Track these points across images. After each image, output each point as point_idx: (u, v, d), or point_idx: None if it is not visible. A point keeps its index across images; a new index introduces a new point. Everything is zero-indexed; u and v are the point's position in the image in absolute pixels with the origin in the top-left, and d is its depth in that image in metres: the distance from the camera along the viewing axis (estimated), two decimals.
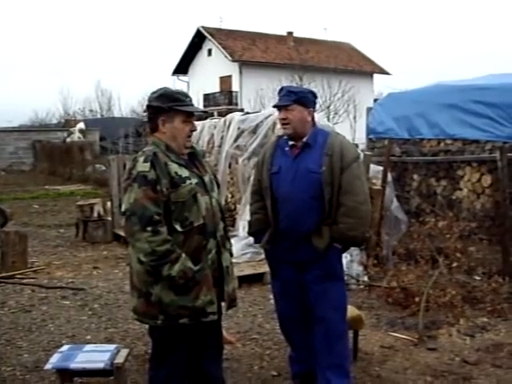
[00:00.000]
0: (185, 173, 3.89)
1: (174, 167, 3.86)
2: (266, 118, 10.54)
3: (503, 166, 8.80)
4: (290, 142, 4.66)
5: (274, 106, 4.78)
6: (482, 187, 11.01)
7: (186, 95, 4.05)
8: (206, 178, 4.04)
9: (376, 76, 53.23)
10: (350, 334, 5.47)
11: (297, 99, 4.59)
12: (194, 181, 3.91)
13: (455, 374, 5.38)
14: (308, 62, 43.89)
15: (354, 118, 38.03)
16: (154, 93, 4.02)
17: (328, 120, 31.29)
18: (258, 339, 6.27)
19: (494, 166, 9.74)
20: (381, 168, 9.40)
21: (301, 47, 49.61)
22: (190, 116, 4.01)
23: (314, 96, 4.81)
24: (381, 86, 55.99)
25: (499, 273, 7.94)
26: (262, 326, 6.66)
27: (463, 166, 11.36)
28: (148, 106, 4.02)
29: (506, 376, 5.38)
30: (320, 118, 10.96)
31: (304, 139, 4.61)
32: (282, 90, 4.72)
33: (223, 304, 4.13)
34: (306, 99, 4.67)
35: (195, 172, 3.99)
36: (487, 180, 10.85)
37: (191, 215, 3.85)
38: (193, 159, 4.08)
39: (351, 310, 5.50)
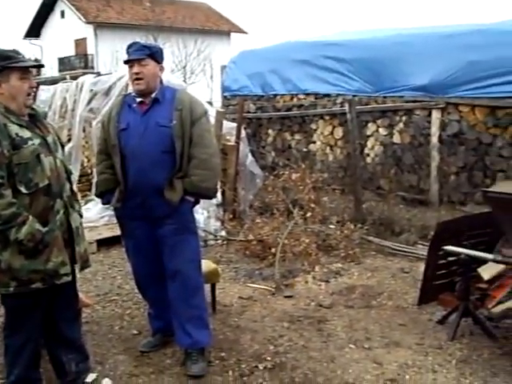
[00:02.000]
0: (26, 134, 3.77)
1: (14, 128, 3.73)
2: (119, 79, 10.33)
3: (352, 118, 9.14)
4: (138, 99, 4.60)
5: (126, 61, 4.64)
6: (334, 139, 11.43)
7: (17, 52, 3.90)
8: (50, 139, 3.94)
9: (235, 35, 53.16)
10: (208, 287, 5.57)
11: (150, 54, 4.53)
12: (37, 141, 3.80)
13: (311, 318, 5.62)
14: (164, 23, 43.29)
15: (211, 77, 38.00)
16: None
17: (184, 80, 31.17)
18: (118, 300, 6.25)
19: (344, 119, 10.09)
20: (235, 125, 9.49)
21: (157, 7, 48.72)
22: (27, 72, 3.86)
23: (162, 52, 4.78)
24: (239, 45, 55.78)
25: (351, 220, 8.29)
26: (121, 287, 6.63)
27: (316, 119, 11.73)
28: None
29: (358, 315, 5.69)
30: (174, 78, 10.91)
31: (153, 95, 4.57)
32: (133, 44, 4.62)
33: (76, 266, 4.08)
34: (158, 54, 4.63)
35: (37, 133, 3.88)
36: (339, 132, 11.24)
37: (35, 176, 3.75)
38: (34, 120, 3.96)
39: (207, 264, 5.59)
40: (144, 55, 4.51)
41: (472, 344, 5.03)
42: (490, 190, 6.17)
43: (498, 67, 9.18)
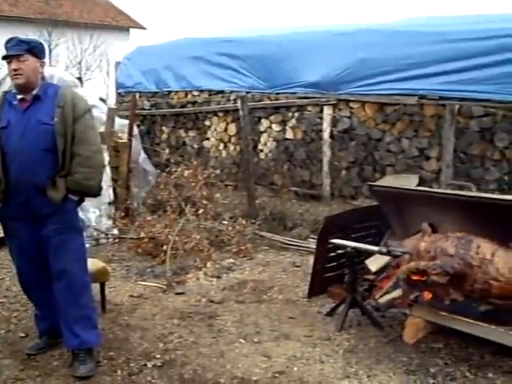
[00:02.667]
0: None
1: None
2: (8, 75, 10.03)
3: (244, 114, 9.22)
4: (19, 96, 4.48)
5: (4, 57, 4.51)
6: (228, 136, 11.50)
7: None
8: None
9: (134, 31, 52.34)
10: (98, 286, 5.50)
11: (29, 49, 4.40)
12: None
13: (201, 314, 5.62)
14: (60, 17, 42.20)
15: (108, 73, 37.36)
16: None
17: (80, 76, 30.54)
18: (5, 302, 6.04)
19: (237, 116, 10.15)
20: (128, 122, 9.39)
21: (53, 1, 47.37)
22: None
23: (44, 48, 4.66)
24: (138, 40, 54.93)
25: (244, 216, 8.37)
26: (9, 289, 6.42)
27: (210, 116, 11.75)
28: None
29: (248, 310, 5.74)
30: (67, 74, 10.66)
31: (34, 92, 4.46)
32: (11, 40, 4.48)
33: None
34: (38, 49, 4.51)
35: None
36: (232, 129, 11.32)
37: None
38: None
39: (95, 263, 5.51)
40: (22, 51, 4.38)
41: (359, 334, 5.18)
42: (376, 184, 6.37)
43: (386, 65, 9.47)
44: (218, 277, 6.72)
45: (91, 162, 4.43)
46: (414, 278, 4.98)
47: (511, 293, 4.38)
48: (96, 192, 4.66)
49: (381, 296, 5.46)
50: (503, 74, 8.54)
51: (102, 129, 8.65)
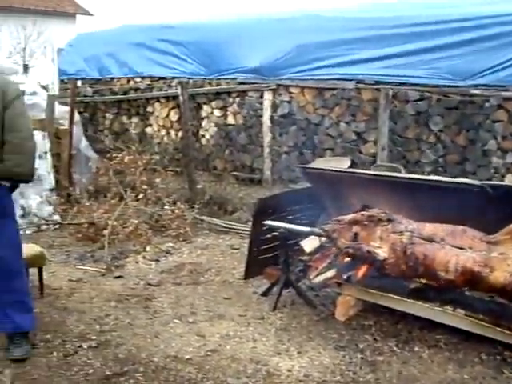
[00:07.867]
0: None
1: None
2: None
3: (184, 100, 9.32)
4: None
5: None
6: (170, 122, 11.54)
7: None
8: None
9: (81, 17, 51.52)
10: (35, 271, 5.54)
11: None
12: None
13: (138, 296, 5.70)
14: (2, 3, 41.40)
15: (53, 60, 36.77)
16: None
17: (25, 63, 30.11)
18: None
19: (179, 102, 10.20)
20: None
21: None
22: None
23: None
24: (85, 27, 54.11)
25: (186, 201, 8.46)
26: None
27: (152, 102, 11.78)
28: None
29: (185, 292, 5.85)
30: (6, 61, 10.60)
31: None
32: None
33: None
34: None
35: None
36: (174, 115, 11.36)
37: None
38: None
39: (32, 248, 5.54)
40: None
41: (292, 313, 5.32)
42: (307, 166, 6.52)
43: (325, 51, 9.63)
44: (157, 260, 6.81)
45: (21, 149, 4.42)
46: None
47: None
48: (28, 178, 4.66)
49: (315, 276, 5.61)
50: (436, 60, 8.78)
51: (42, 115, 8.67)
